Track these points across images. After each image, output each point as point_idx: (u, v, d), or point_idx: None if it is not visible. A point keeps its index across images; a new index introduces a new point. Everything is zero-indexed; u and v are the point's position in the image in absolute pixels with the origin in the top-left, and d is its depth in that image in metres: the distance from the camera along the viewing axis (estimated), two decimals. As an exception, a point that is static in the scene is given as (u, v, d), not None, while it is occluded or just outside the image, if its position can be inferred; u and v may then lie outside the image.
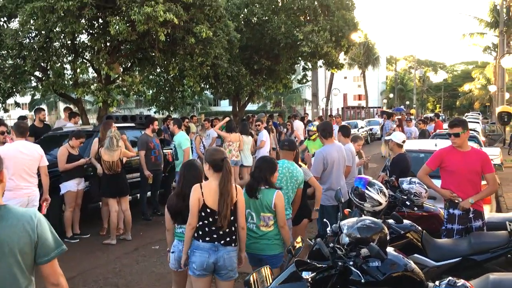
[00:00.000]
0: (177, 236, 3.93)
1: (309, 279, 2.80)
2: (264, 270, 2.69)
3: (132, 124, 9.69)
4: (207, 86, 15.96)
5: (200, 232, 3.61)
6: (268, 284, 2.69)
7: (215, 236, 3.59)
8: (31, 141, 7.24)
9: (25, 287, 2.10)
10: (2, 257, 2.01)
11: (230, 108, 25.80)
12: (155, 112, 16.26)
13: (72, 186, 7.28)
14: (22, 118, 10.36)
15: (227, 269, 3.60)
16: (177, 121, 9.24)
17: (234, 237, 3.65)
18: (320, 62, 17.83)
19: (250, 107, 30.69)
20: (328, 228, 3.55)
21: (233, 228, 3.64)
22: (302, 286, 2.61)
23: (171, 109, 15.11)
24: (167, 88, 14.46)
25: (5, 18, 10.14)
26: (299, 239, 3.27)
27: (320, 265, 2.99)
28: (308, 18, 15.67)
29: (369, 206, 4.42)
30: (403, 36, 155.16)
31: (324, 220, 3.88)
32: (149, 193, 8.93)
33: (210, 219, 3.58)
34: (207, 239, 3.59)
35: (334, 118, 16.06)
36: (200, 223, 3.60)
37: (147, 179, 8.43)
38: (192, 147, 10.66)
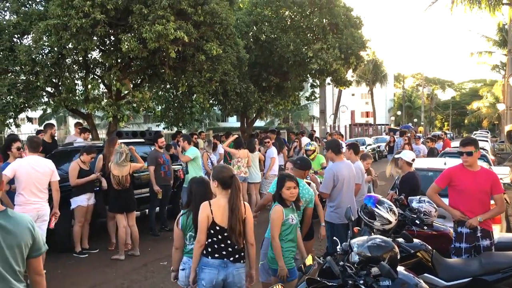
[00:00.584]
0: (188, 253, 3.94)
1: None
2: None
3: (142, 140, 9.78)
4: (216, 102, 16.07)
5: (209, 249, 3.62)
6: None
7: (224, 253, 3.61)
8: (42, 156, 7.32)
9: (22, 273, 2.57)
10: (12, 247, 2.47)
11: (238, 124, 25.89)
12: (164, 128, 16.37)
13: (82, 201, 7.34)
14: (39, 132, 10.53)
15: (236, 286, 3.62)
16: (187, 137, 9.33)
17: (243, 253, 3.67)
18: (328, 80, 17.90)
19: (258, 123, 30.77)
20: (338, 246, 3.55)
21: (242, 246, 3.67)
22: (313, 304, 2.61)
23: (180, 125, 15.21)
24: (176, 104, 14.59)
25: (19, 35, 10.32)
26: (309, 257, 3.28)
27: (330, 284, 2.99)
28: (317, 36, 15.80)
29: (378, 224, 4.42)
30: (411, 54, 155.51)
31: (334, 238, 3.88)
32: (157, 209, 8.96)
33: (219, 236, 3.60)
34: (216, 255, 3.61)
35: (331, 136, 15.97)
36: (209, 240, 3.62)
37: (156, 194, 8.47)
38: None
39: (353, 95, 65.19)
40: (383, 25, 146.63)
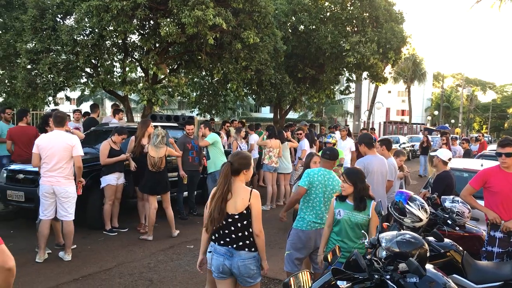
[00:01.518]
0: None
1: None
2: (302, 275, 2.67)
3: (175, 124, 9.89)
4: (250, 92, 16.07)
5: (216, 235, 3.64)
6: (304, 288, 2.67)
7: (228, 239, 3.60)
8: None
9: None
10: None
11: (271, 115, 25.82)
12: (197, 115, 16.49)
13: (111, 180, 7.48)
14: (75, 111, 10.97)
15: (243, 277, 3.59)
16: (207, 123, 9.38)
17: (248, 242, 3.62)
18: (364, 74, 17.61)
19: (291, 115, 30.63)
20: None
21: (246, 233, 3.61)
22: (338, 294, 2.58)
23: (213, 112, 15.30)
24: (210, 92, 14.67)
25: (62, 15, 10.55)
26: (336, 248, 3.24)
27: (356, 276, 2.94)
28: (355, 29, 15.53)
29: (408, 221, 4.32)
30: (453, 53, 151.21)
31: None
32: (186, 193, 9.06)
33: (224, 222, 3.59)
34: (221, 242, 3.62)
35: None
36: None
37: (183, 179, 8.57)
38: (230, 151, 10.79)
39: (389, 92, 64.04)
40: (425, 21, 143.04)
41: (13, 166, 7.78)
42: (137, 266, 6.04)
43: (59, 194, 6.04)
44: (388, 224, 4.69)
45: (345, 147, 11.20)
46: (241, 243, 3.59)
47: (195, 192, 9.29)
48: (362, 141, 5.80)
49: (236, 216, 3.57)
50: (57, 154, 5.96)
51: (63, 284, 5.33)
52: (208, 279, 4.12)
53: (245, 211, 3.58)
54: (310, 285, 2.71)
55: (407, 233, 3.29)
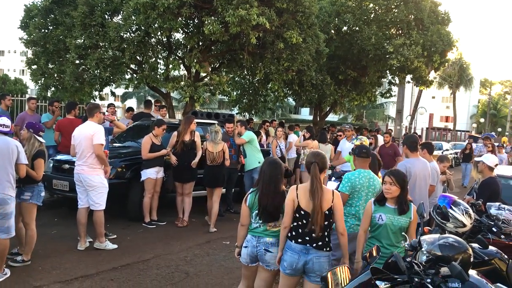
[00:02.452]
0: (252, 231, 3.96)
1: None
2: (341, 270, 2.64)
3: (215, 122, 9.97)
4: (290, 92, 16.03)
5: (294, 233, 3.67)
6: (343, 285, 2.64)
7: (307, 238, 3.62)
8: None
9: None
10: None
11: (310, 117, 25.67)
12: (236, 113, 16.62)
13: (151, 174, 7.61)
14: (130, 109, 11.41)
15: (315, 273, 3.59)
16: (243, 122, 9.41)
17: (326, 241, 3.65)
18: (408, 78, 17.23)
19: (331, 117, 30.38)
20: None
21: (325, 233, 3.64)
22: (376, 294, 2.53)
23: (252, 112, 15.36)
24: (251, 91, 14.73)
25: (110, 12, 10.84)
26: (375, 247, 3.18)
27: (395, 277, 2.88)
28: (400, 31, 15.23)
29: (451, 226, 4.19)
30: (502, 59, 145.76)
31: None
32: (224, 190, 9.11)
33: (304, 221, 3.63)
34: (299, 240, 3.64)
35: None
36: (294, 224, 3.67)
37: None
38: (269, 151, 10.80)
39: (433, 97, 62.44)
40: (473, 24, 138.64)
41: (59, 157, 8.05)
42: (174, 259, 6.13)
43: (84, 182, 6.21)
44: (429, 228, 4.57)
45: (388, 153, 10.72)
46: (320, 243, 3.63)
47: (233, 189, 9.33)
48: (405, 143, 5.67)
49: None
50: (83, 143, 6.15)
51: (103, 272, 5.47)
52: (243, 273, 4.13)
53: (327, 212, 3.62)
54: (348, 280, 2.67)
55: (450, 236, 3.19)
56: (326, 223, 3.62)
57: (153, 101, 12.82)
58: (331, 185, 4.11)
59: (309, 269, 3.58)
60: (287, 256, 3.65)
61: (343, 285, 2.63)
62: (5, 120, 5.10)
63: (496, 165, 6.04)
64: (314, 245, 3.60)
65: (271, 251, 3.81)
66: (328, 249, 3.64)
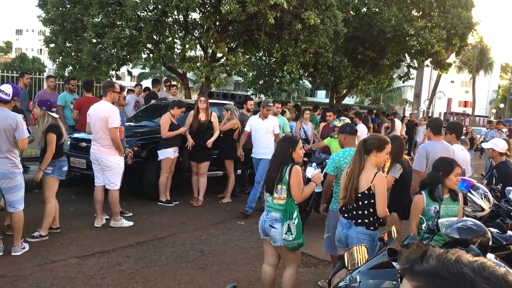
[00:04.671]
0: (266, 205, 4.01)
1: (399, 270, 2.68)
2: (357, 250, 2.63)
3: (231, 102, 9.94)
4: (306, 75, 15.88)
5: (343, 208, 3.85)
6: (359, 265, 2.63)
7: (350, 214, 3.78)
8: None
9: None
10: None
11: (326, 100, 25.47)
12: (252, 95, 16.54)
13: (170, 153, 7.64)
14: (146, 88, 11.45)
15: None
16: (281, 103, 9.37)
17: (366, 220, 3.72)
18: (427, 62, 16.93)
19: (347, 100, 30.11)
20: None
21: (365, 212, 3.70)
22: (392, 274, 2.51)
23: (269, 94, 15.27)
24: (266, 72, 14.64)
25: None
26: (393, 228, 3.15)
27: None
28: (421, 13, 14.92)
29: (469, 210, 4.15)
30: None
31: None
32: (239, 171, 9.13)
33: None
34: (345, 215, 3.83)
35: (425, 120, 15.14)
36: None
37: (238, 157, 8.63)
38: (291, 132, 10.75)
39: (452, 82, 61.43)
40: (495, 8, 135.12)
41: (76, 135, 8.13)
42: (189, 238, 6.18)
43: (101, 162, 6.26)
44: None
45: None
46: (359, 220, 3.74)
47: (248, 170, 9.34)
48: (429, 125, 5.56)
49: (359, 195, 3.69)
50: (97, 123, 6.17)
51: (119, 249, 5.55)
52: (264, 249, 4.15)
53: (366, 191, 3.67)
54: (364, 260, 2.66)
55: (468, 219, 3.16)
56: (365, 202, 3.67)
57: (163, 80, 12.85)
58: (310, 171, 4.05)
59: (350, 243, 3.68)
60: (338, 228, 3.90)
61: (359, 265, 2.62)
62: (6, 88, 4.97)
63: (508, 149, 5.92)
64: (354, 221, 3.74)
65: (275, 227, 3.85)
66: (371, 228, 3.72)
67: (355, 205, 3.72)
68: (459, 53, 17.29)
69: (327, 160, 5.17)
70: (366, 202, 3.68)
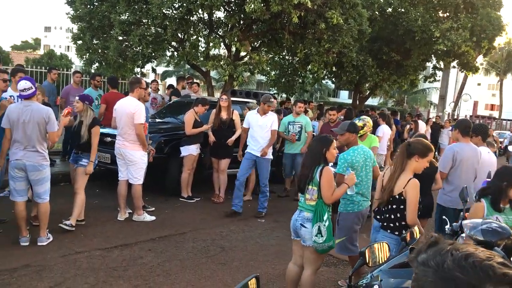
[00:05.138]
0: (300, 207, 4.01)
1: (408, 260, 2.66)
2: (379, 247, 2.61)
3: (254, 101, 9.98)
4: (330, 75, 15.80)
5: (377, 209, 3.88)
6: (380, 262, 2.62)
7: (381, 216, 3.80)
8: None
9: None
10: None
11: (349, 101, 25.29)
12: (274, 94, 16.55)
13: (193, 150, 7.71)
14: (171, 86, 11.59)
15: None
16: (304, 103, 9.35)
17: (392, 224, 3.70)
18: (454, 63, 16.64)
19: (370, 101, 29.81)
20: (447, 226, 3.35)
21: (392, 216, 3.69)
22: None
23: (292, 94, 15.28)
24: (289, 72, 14.62)
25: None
26: (416, 229, 3.12)
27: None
28: (447, 14, 14.68)
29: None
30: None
31: (444, 217, 3.66)
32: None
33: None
34: (377, 217, 3.86)
35: (450, 122, 14.93)
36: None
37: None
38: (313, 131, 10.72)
39: (479, 84, 60.19)
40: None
41: (101, 130, 8.25)
42: (210, 233, 6.23)
43: (125, 157, 6.36)
44: (470, 214, 4.45)
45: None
46: (385, 224, 3.73)
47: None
48: (458, 127, 5.47)
49: (390, 198, 3.66)
50: (123, 119, 6.27)
51: (141, 242, 5.63)
52: (293, 249, 4.16)
53: (397, 196, 3.63)
54: (386, 258, 2.65)
55: (493, 221, 3.10)
56: (394, 206, 3.64)
57: (186, 77, 12.93)
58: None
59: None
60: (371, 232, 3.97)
61: (380, 262, 2.61)
62: (24, 84, 5.00)
63: None
64: (381, 224, 3.77)
65: (306, 227, 3.82)
66: (395, 233, 3.67)
67: (384, 208, 3.71)
68: (486, 55, 16.96)
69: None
70: (395, 206, 3.64)
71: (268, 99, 7.56)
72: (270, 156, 7.47)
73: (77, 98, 5.98)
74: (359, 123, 7.36)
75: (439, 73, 19.77)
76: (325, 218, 3.73)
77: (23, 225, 5.20)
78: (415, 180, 3.61)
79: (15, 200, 5.14)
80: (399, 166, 3.64)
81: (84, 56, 11.86)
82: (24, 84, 5.01)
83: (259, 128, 7.41)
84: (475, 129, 5.89)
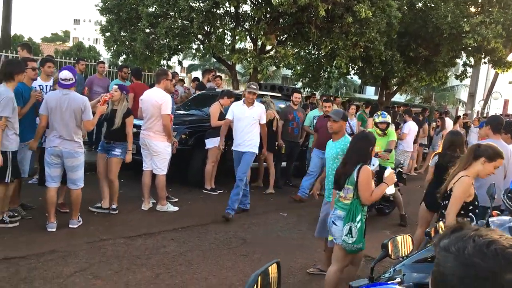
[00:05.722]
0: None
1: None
2: (402, 240, 2.58)
3: (278, 94, 9.96)
4: (357, 70, 15.62)
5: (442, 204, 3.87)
6: (403, 255, 2.59)
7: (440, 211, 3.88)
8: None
9: None
10: None
11: (375, 97, 24.98)
12: (300, 88, 16.49)
13: (217, 143, 7.73)
14: (196, 79, 11.63)
15: None
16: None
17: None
18: (485, 59, 16.21)
19: (397, 98, 29.38)
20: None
21: (443, 211, 3.70)
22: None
23: (318, 89, 15.18)
24: (315, 66, 14.52)
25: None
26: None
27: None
28: (479, 9, 14.30)
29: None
30: None
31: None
32: (284, 164, 9.13)
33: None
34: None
35: (479, 120, 14.58)
36: None
37: (280, 148, 8.62)
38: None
39: (510, 83, 58.58)
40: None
41: (127, 120, 8.36)
42: (232, 225, 6.26)
43: (150, 147, 6.43)
44: (498, 212, 4.35)
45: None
46: (442, 219, 3.69)
47: (293, 163, 9.32)
48: (489, 123, 5.35)
49: (445, 194, 3.67)
50: (150, 109, 6.32)
51: (164, 232, 5.70)
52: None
53: (448, 191, 3.63)
54: (409, 251, 2.62)
55: (522, 220, 3.03)
56: (446, 202, 3.62)
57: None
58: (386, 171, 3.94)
59: None
60: None
61: (403, 255, 2.57)
62: (66, 74, 5.15)
63: None
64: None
65: (337, 225, 3.77)
66: None
67: (442, 203, 3.72)
68: (518, 52, 16.45)
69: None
70: (446, 202, 3.61)
71: (250, 85, 7.00)
72: (255, 150, 6.87)
73: (115, 86, 6.16)
74: (378, 119, 7.13)
75: (469, 70, 19.30)
76: (358, 219, 3.64)
77: (52, 211, 5.34)
78: (468, 177, 3.50)
79: (49, 186, 5.31)
80: (462, 165, 3.58)
81: (112, 48, 12.04)
82: (66, 74, 5.17)
83: (245, 120, 6.80)
84: (505, 126, 5.74)
